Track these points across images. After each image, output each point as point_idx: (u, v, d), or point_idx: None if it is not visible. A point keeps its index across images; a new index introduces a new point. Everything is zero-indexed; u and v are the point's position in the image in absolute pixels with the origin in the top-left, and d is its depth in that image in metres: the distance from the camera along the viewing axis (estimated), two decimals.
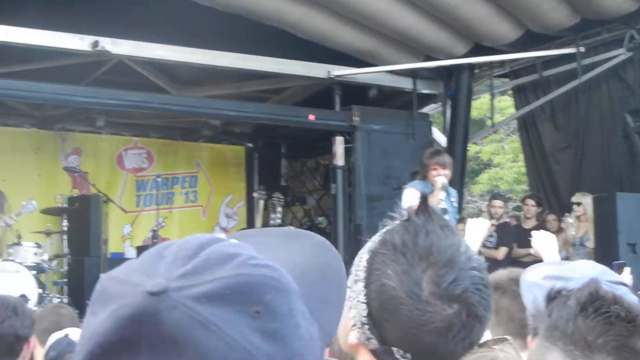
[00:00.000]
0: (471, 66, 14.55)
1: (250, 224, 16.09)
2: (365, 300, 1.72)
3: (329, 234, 14.22)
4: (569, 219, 13.04)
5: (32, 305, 11.62)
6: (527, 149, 15.36)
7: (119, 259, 13.74)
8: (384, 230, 1.79)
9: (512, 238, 12.97)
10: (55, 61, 13.09)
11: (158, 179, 14.40)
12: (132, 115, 15.23)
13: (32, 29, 11.75)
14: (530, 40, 13.70)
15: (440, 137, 15.28)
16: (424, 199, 1.79)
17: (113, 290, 1.06)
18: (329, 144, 14.14)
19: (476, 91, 15.96)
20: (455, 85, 14.60)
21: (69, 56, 12.80)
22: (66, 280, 13.52)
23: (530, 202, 13.49)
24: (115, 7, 12.32)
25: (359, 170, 13.83)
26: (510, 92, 17.11)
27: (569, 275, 2.37)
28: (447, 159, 9.72)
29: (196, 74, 14.67)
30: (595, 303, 1.63)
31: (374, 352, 1.72)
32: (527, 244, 12.84)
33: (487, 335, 3.04)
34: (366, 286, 1.73)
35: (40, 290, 12.38)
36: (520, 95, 15.43)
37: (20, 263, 12.43)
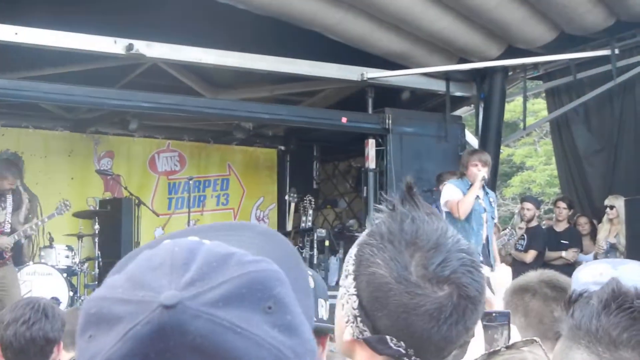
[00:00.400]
0: (504, 68, 14.47)
1: (282, 226, 16.08)
2: (355, 292, 1.72)
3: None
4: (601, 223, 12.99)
5: (63, 307, 11.66)
6: (560, 151, 15.25)
7: None
8: (372, 222, 1.78)
9: (542, 241, 12.91)
10: (89, 64, 13.14)
11: (190, 182, 14.43)
12: (164, 118, 15.27)
13: (66, 32, 11.80)
14: (564, 42, 13.62)
15: (472, 140, 15.21)
16: (409, 188, 1.77)
17: (116, 312, 1.04)
18: (361, 147, 14.13)
19: (509, 93, 15.88)
20: (489, 88, 14.54)
21: (103, 59, 12.85)
22: (97, 283, 13.56)
23: (562, 204, 13.43)
24: (149, 10, 12.34)
25: (390, 172, 13.79)
26: (544, 94, 17.02)
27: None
28: (486, 157, 9.82)
29: (229, 77, 14.69)
30: (618, 299, 1.61)
31: (366, 341, 1.71)
32: (559, 247, 12.91)
33: (516, 337, 3.01)
34: (355, 278, 1.72)
35: (72, 293, 12.44)
36: (554, 97, 15.32)
37: (52, 266, 12.50)
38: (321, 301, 2.75)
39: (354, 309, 1.71)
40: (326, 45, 13.28)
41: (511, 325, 3.06)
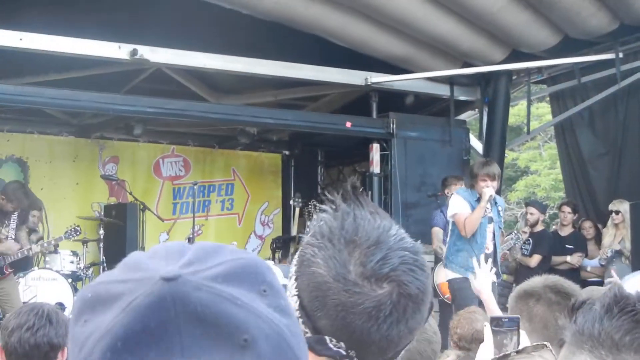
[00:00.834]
0: (509, 73, 14.46)
1: (286, 231, 16.09)
2: (296, 293, 1.68)
3: None
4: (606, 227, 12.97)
5: (68, 313, 11.67)
6: (564, 155, 15.23)
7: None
8: (316, 222, 1.74)
9: (547, 246, 12.88)
10: (93, 70, 13.17)
11: (195, 187, 14.44)
12: (169, 123, 15.29)
13: (71, 38, 11.82)
14: (568, 46, 13.61)
15: (477, 144, 15.20)
16: (354, 187, 1.74)
17: (114, 291, 1.05)
18: (365, 151, 14.14)
19: (513, 97, 15.87)
20: (493, 92, 14.53)
21: (108, 65, 12.87)
22: None
23: (567, 209, 13.40)
24: (153, 15, 12.36)
25: (395, 177, 13.79)
26: (548, 98, 17.01)
27: None
28: (496, 170, 9.76)
29: (234, 82, 14.71)
30: (620, 303, 1.61)
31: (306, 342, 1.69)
32: (564, 252, 12.89)
33: (525, 342, 3.01)
34: (297, 278, 1.69)
35: None
36: (558, 101, 15.31)
37: (57, 271, 12.52)
38: None
39: (296, 310, 1.67)
40: (330, 49, 13.29)
41: (520, 330, 3.06)
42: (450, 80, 14.57)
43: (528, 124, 16.11)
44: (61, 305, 11.23)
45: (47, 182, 15.26)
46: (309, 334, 1.66)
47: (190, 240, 13.80)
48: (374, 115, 14.27)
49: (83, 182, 15.63)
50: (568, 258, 12.83)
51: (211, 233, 16.59)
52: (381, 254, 1.63)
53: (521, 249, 12.89)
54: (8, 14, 11.67)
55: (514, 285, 9.19)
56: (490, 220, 9.78)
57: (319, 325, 1.65)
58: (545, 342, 2.71)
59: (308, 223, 14.23)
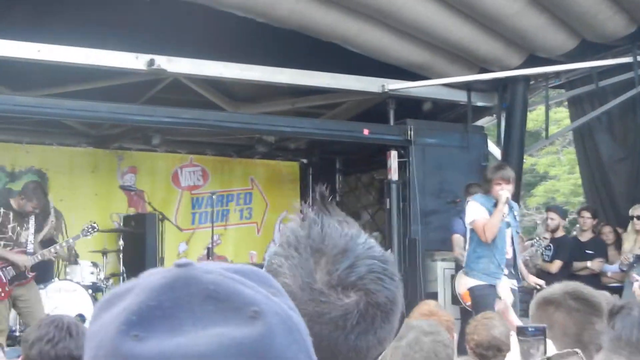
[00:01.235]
0: (526, 77, 14.41)
1: None
2: None
3: (383, 249, 14.16)
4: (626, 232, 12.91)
5: (88, 324, 11.68)
6: (583, 160, 15.19)
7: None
8: (284, 232, 1.70)
9: (568, 252, 12.83)
10: (111, 80, 13.22)
11: (213, 197, 14.44)
12: (187, 132, 15.31)
13: (88, 49, 11.86)
14: (585, 50, 13.56)
15: (495, 150, 15.16)
16: (322, 195, 1.70)
17: (129, 285, 1.10)
18: (383, 159, 14.12)
19: (531, 102, 15.82)
20: (511, 97, 14.48)
21: (125, 75, 12.91)
22: None
23: (586, 214, 13.36)
24: (170, 25, 12.40)
25: (413, 184, 13.76)
26: (566, 103, 16.96)
27: None
28: (510, 173, 9.73)
29: (250, 91, 14.73)
30: None
31: None
32: (583, 257, 12.84)
33: (552, 351, 2.99)
34: None
35: None
36: (576, 106, 15.27)
37: (77, 282, 12.56)
38: None
39: None
40: (347, 57, 13.28)
41: (547, 339, 3.04)
42: (468, 86, 14.55)
43: (546, 129, 16.06)
44: (81, 317, 11.25)
45: (66, 193, 15.31)
46: None
47: (210, 250, 13.81)
48: (392, 122, 14.26)
49: (102, 192, 15.66)
50: (589, 263, 12.77)
51: (230, 242, 16.59)
52: (348, 262, 1.58)
53: (542, 255, 12.84)
54: (25, 27, 11.72)
55: (535, 291, 9.16)
56: (508, 225, 9.76)
57: None
58: (576, 350, 2.69)
59: None
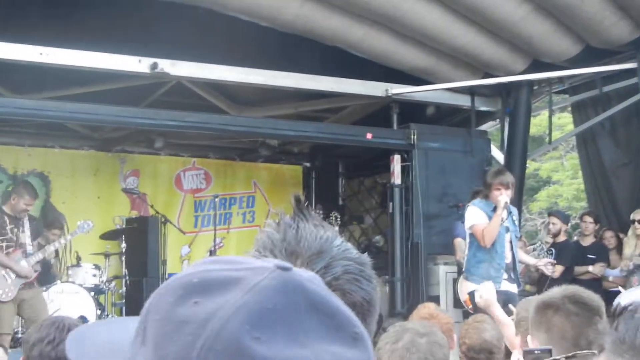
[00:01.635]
0: (530, 83, 14.40)
1: None
2: None
3: (386, 252, 14.20)
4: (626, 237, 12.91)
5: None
6: (586, 165, 15.18)
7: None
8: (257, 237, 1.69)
9: (570, 256, 12.83)
10: (114, 84, 13.21)
11: (216, 200, 14.45)
12: (189, 136, 15.31)
13: (91, 52, 11.85)
14: (589, 55, 13.55)
15: (498, 155, 15.16)
16: (297, 200, 1.70)
17: (230, 275, 1.08)
18: (386, 163, 14.12)
19: (535, 108, 15.82)
20: (514, 102, 14.47)
21: (128, 78, 12.90)
22: (124, 301, 13.62)
23: (588, 219, 13.37)
24: (173, 28, 12.39)
25: (416, 188, 13.76)
26: (569, 108, 16.94)
27: None
28: (510, 178, 9.73)
29: (254, 94, 14.73)
30: None
31: None
32: (585, 262, 12.84)
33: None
34: None
35: (99, 312, 12.49)
36: (580, 111, 15.26)
37: (80, 284, 12.56)
38: None
39: None
40: (350, 61, 13.28)
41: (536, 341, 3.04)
42: (471, 91, 14.53)
43: (550, 134, 16.03)
44: (84, 319, 11.25)
45: (68, 196, 15.32)
46: None
47: (212, 253, 13.81)
48: (395, 126, 14.25)
49: (104, 195, 15.67)
50: (590, 268, 12.77)
51: (233, 246, 16.58)
52: (323, 262, 1.57)
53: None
54: (28, 29, 11.72)
55: (536, 295, 9.15)
56: (507, 229, 9.76)
57: None
58: (593, 351, 2.68)
59: None
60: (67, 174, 15.43)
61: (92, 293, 12.58)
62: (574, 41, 13.27)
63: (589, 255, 12.93)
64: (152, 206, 14.69)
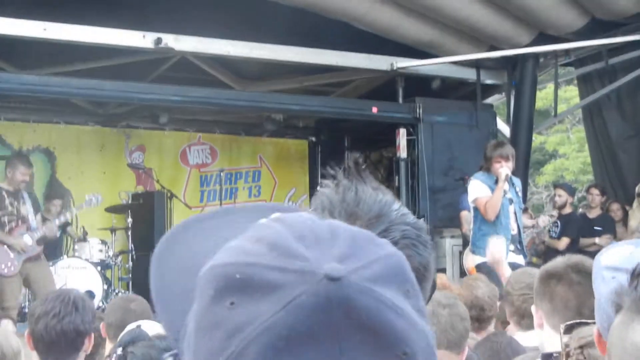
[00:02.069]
0: (536, 55, 14.35)
1: None
2: None
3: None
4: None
5: (97, 301, 11.76)
6: (593, 138, 15.16)
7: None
8: (315, 197, 1.69)
9: (576, 228, 12.85)
10: (118, 59, 13.20)
11: (221, 174, 14.46)
12: (195, 111, 15.30)
13: (95, 27, 11.84)
14: (595, 27, 13.50)
15: (504, 128, 15.14)
16: (356, 163, 1.69)
17: (270, 279, 1.00)
18: (392, 137, 14.10)
19: (541, 80, 15.77)
20: (520, 75, 14.43)
21: (133, 54, 12.89)
22: (131, 275, 13.66)
23: (595, 191, 13.38)
24: (177, 3, 12.37)
25: (422, 162, 13.76)
26: (575, 81, 16.90)
27: (630, 267, 2.29)
28: (509, 150, 9.72)
29: (259, 69, 14.70)
30: None
31: None
32: (592, 234, 12.85)
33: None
34: None
35: (106, 286, 12.54)
36: (586, 83, 15.22)
37: (86, 259, 12.61)
38: None
39: None
40: (355, 35, 13.25)
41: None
42: (477, 64, 14.49)
43: (555, 107, 15.98)
44: (90, 293, 11.30)
45: (74, 172, 15.33)
46: None
47: None
48: (400, 100, 14.23)
49: (110, 171, 15.68)
50: (597, 240, 12.77)
51: None
52: (382, 226, 1.56)
53: (549, 231, 12.85)
54: (31, 5, 11.70)
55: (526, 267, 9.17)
56: (510, 201, 9.76)
57: None
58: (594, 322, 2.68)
59: None
60: (73, 150, 15.43)
61: (99, 268, 12.63)
62: (579, 13, 13.21)
63: (595, 227, 12.94)
64: (157, 181, 14.69)
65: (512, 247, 9.66)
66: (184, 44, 12.50)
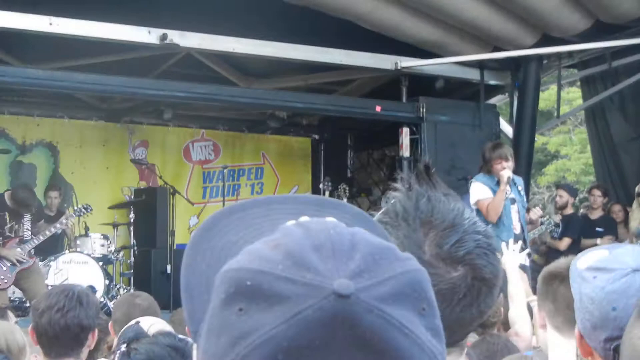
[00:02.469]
0: (539, 57, 14.36)
1: None
2: None
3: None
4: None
5: (99, 296, 11.78)
6: (595, 139, 15.18)
7: (184, 251, 13.77)
8: (388, 200, 1.70)
9: (578, 229, 12.85)
10: (123, 54, 13.21)
11: (224, 171, 14.47)
12: (199, 107, 15.32)
13: (100, 22, 11.85)
14: (599, 30, 13.50)
15: (507, 128, 15.14)
16: (426, 168, 1.71)
17: (279, 289, 0.98)
18: (395, 135, 14.10)
19: (544, 82, 15.78)
20: (523, 76, 14.43)
21: (137, 49, 12.90)
22: (132, 271, 13.68)
23: (597, 192, 13.39)
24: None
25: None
26: (579, 83, 16.91)
27: (611, 266, 2.31)
28: (508, 150, 9.73)
29: (263, 66, 14.70)
30: None
31: None
32: (594, 235, 12.85)
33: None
34: None
35: (108, 282, 12.54)
36: (589, 85, 15.24)
37: (88, 254, 12.61)
38: None
39: None
40: (360, 34, 13.25)
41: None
42: (481, 65, 14.50)
43: (558, 108, 15.99)
44: (92, 289, 11.32)
45: (77, 167, 15.35)
46: None
47: None
48: (404, 99, 14.23)
49: (113, 166, 15.70)
50: (598, 241, 12.77)
51: None
52: (457, 236, 1.60)
53: (551, 232, 12.86)
54: None
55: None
56: (513, 201, 9.75)
57: None
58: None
59: None
60: (76, 144, 15.45)
61: (101, 263, 12.63)
62: (583, 15, 13.22)
63: (597, 229, 12.95)
64: (160, 177, 14.72)
65: (515, 245, 9.67)
66: (189, 40, 12.51)
